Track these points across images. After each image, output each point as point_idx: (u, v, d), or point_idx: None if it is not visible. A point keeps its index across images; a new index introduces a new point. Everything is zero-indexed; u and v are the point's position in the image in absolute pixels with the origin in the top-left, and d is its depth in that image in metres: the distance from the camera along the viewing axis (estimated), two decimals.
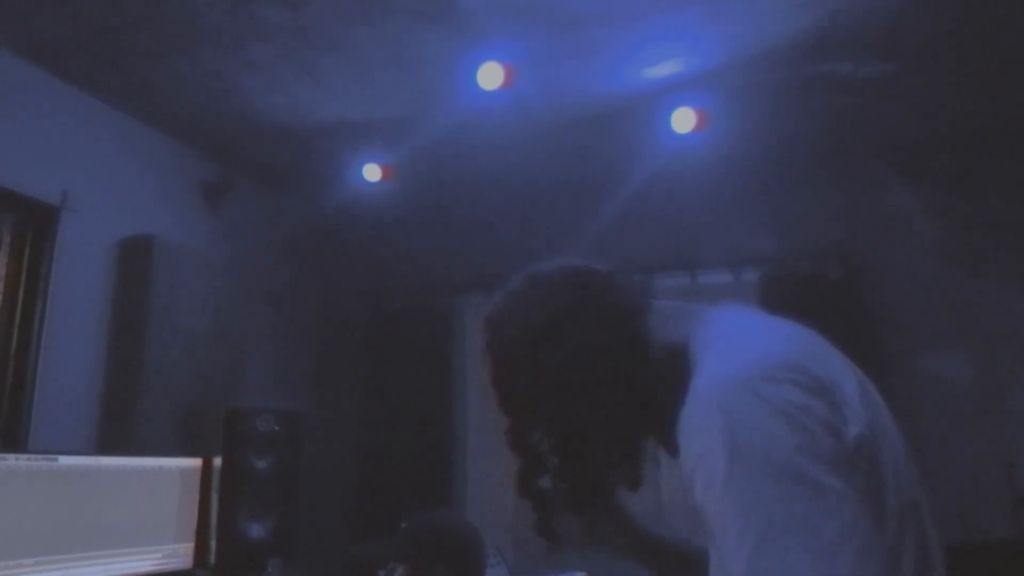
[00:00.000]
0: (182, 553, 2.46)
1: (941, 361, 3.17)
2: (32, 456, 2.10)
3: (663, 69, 2.73)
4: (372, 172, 3.34)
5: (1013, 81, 2.86)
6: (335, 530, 3.50)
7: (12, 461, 2.04)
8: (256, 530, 2.53)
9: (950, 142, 3.31)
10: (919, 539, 0.69)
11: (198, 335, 3.07)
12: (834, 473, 0.62)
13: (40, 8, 2.39)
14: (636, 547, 0.96)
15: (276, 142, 3.30)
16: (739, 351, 0.72)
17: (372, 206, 3.69)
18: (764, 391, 0.66)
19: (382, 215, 3.82)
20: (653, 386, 0.81)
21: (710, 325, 0.79)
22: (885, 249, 3.31)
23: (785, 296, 3.19)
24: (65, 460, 2.16)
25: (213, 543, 2.51)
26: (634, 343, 0.82)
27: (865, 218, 3.37)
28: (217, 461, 2.58)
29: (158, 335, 2.91)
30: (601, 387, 0.82)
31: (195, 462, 2.56)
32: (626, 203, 3.15)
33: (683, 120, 2.87)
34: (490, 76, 2.51)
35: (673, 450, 0.74)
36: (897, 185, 3.38)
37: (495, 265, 3.76)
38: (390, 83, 2.80)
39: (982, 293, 3.19)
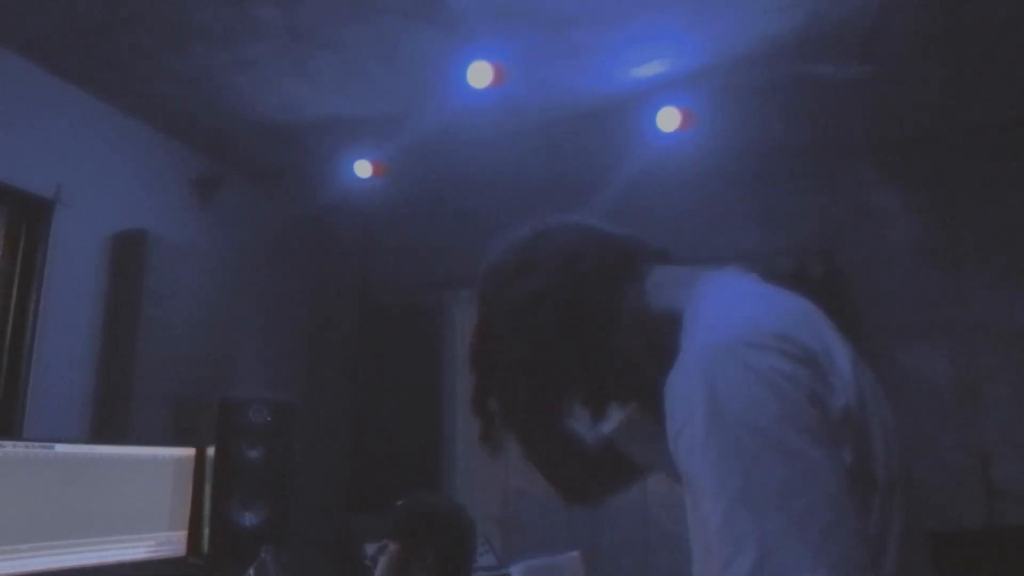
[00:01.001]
0: (175, 541, 2.51)
1: (920, 356, 3.24)
2: (30, 444, 2.14)
3: (649, 69, 2.79)
4: (363, 168, 3.39)
5: (990, 82, 2.93)
6: (325, 519, 3.55)
7: (10, 448, 2.08)
8: (248, 519, 2.58)
9: (929, 142, 3.37)
10: (908, 514, 0.68)
11: (190, 328, 3.11)
12: (816, 443, 0.61)
13: (36, 5, 2.43)
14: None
15: (268, 138, 3.35)
16: (727, 318, 0.71)
17: (363, 202, 3.73)
18: (749, 358, 0.65)
19: (372, 210, 3.87)
20: (639, 351, 0.77)
21: (707, 292, 0.77)
22: (866, 247, 3.38)
23: None
24: (62, 448, 2.21)
25: (206, 531, 2.56)
26: (619, 307, 0.79)
27: (846, 216, 3.44)
28: (210, 451, 2.63)
29: (150, 327, 2.95)
30: (582, 349, 0.80)
31: (188, 452, 2.60)
32: (612, 200, 3.20)
33: (668, 119, 2.93)
34: (480, 75, 2.57)
35: (660, 417, 0.70)
36: (878, 184, 3.45)
37: (483, 260, 3.84)
38: (381, 81, 2.85)
39: (960, 290, 3.27)
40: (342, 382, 3.95)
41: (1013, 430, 3.08)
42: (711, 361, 0.66)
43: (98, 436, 2.63)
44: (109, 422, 2.79)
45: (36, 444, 2.16)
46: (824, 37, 2.62)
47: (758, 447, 0.61)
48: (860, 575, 0.58)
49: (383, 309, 3.96)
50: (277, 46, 2.66)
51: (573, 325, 0.80)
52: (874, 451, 0.66)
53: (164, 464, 2.52)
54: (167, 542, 2.48)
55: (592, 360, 0.80)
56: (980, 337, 3.22)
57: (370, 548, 2.80)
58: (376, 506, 3.35)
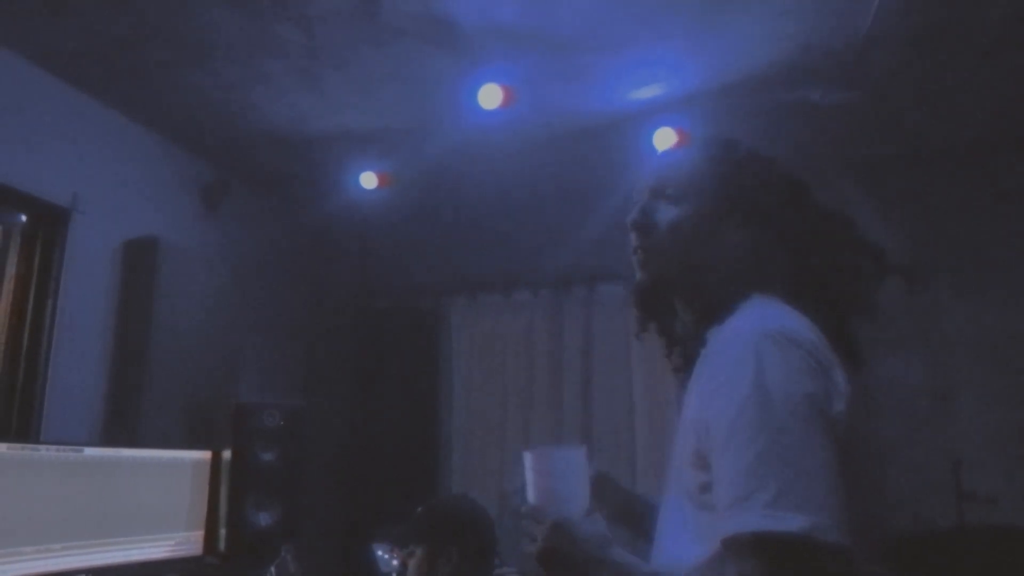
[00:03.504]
0: (193, 540, 2.60)
1: (895, 366, 3.42)
2: (61, 447, 2.23)
3: (647, 92, 2.94)
4: (369, 180, 3.50)
5: (962, 108, 3.11)
6: (330, 520, 3.66)
7: (43, 452, 2.16)
8: (263, 519, 2.68)
9: (906, 162, 3.55)
10: (876, 515, 0.86)
11: (199, 334, 3.20)
12: (824, 423, 0.80)
13: (58, 18, 2.50)
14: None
15: (277, 149, 3.44)
16: (773, 320, 0.89)
17: (366, 211, 3.84)
18: (789, 348, 0.83)
19: (376, 220, 3.98)
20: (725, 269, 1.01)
21: (758, 301, 0.97)
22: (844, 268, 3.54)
23: None
24: (90, 451, 2.29)
25: (222, 531, 2.65)
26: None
27: None
28: (226, 454, 2.72)
29: (162, 333, 3.03)
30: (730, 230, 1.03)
31: (205, 455, 2.70)
32: (609, 215, 3.34)
33: (665, 139, 3.08)
34: (490, 97, 2.70)
35: (699, 332, 0.98)
36: (857, 201, 3.63)
37: (482, 269, 3.97)
38: (393, 100, 2.96)
39: (934, 303, 3.43)
40: (342, 387, 4.05)
41: (983, 436, 3.26)
42: (760, 342, 0.84)
43: (121, 439, 2.71)
44: (123, 425, 2.87)
45: (66, 448, 2.24)
46: (812, 66, 2.79)
47: (788, 413, 0.79)
48: (845, 530, 0.75)
49: (383, 314, 4.08)
50: (293, 63, 2.76)
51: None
52: (855, 455, 0.84)
53: (182, 466, 2.61)
54: (185, 541, 2.58)
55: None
56: (952, 347, 3.38)
57: (378, 548, 2.92)
58: (374, 511, 3.48)
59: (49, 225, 2.88)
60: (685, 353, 1.08)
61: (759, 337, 0.85)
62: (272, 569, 2.17)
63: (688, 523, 0.90)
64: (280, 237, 3.99)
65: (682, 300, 1.06)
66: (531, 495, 1.04)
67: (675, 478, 0.95)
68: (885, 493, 0.88)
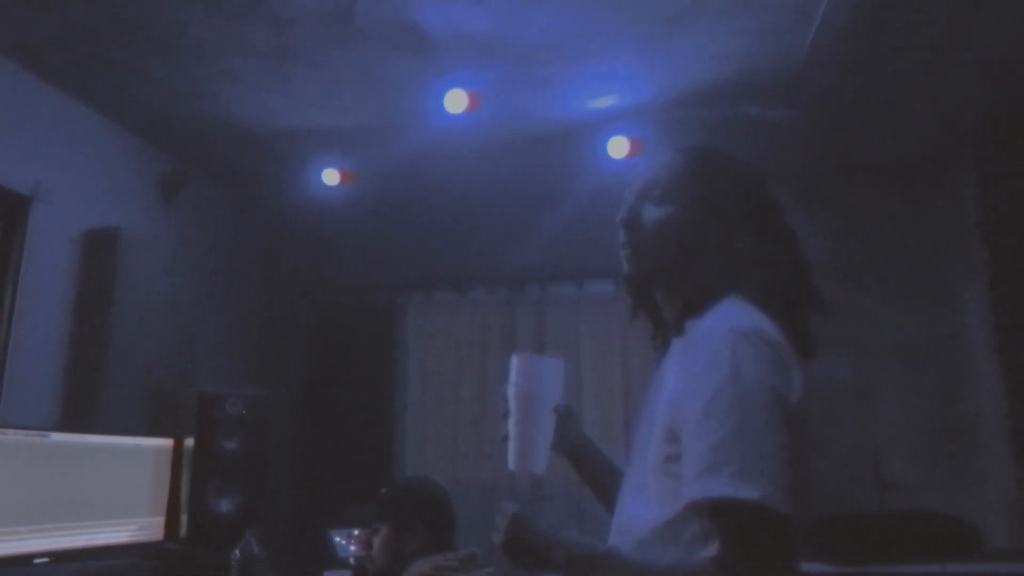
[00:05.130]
0: (154, 526, 2.65)
1: (823, 365, 3.65)
2: (28, 432, 2.26)
3: (603, 102, 3.11)
4: (331, 176, 3.57)
5: (890, 124, 3.36)
6: (287, 508, 3.72)
7: (11, 436, 2.19)
8: (224, 505, 2.74)
9: (838, 173, 3.75)
10: (807, 499, 0.99)
11: (158, 323, 3.23)
12: (783, 412, 0.92)
13: (30, 10, 2.52)
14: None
15: (242, 143, 3.48)
16: (748, 320, 1.02)
17: (328, 207, 3.91)
18: (760, 345, 0.97)
19: (336, 216, 4.05)
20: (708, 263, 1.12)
21: (734, 301, 1.08)
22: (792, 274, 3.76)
23: None
24: (56, 437, 2.33)
25: (184, 518, 2.70)
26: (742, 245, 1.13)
27: None
28: (188, 441, 2.77)
29: (121, 322, 3.06)
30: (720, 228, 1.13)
31: (167, 442, 2.74)
32: (564, 217, 3.52)
33: (618, 147, 3.26)
34: (456, 101, 2.82)
35: (678, 323, 1.11)
36: (793, 209, 3.87)
37: (438, 267, 4.08)
38: (361, 101, 3.06)
39: (862, 306, 3.65)
40: (297, 379, 4.11)
41: (901, 430, 3.52)
42: (737, 339, 0.97)
43: (79, 426, 2.73)
44: (81, 412, 2.89)
45: (33, 432, 2.27)
46: (753, 84, 3.00)
47: (755, 402, 0.93)
48: (791, 504, 0.89)
49: (339, 309, 4.15)
50: (263, 62, 2.83)
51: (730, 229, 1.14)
52: (805, 443, 0.99)
53: (145, 454, 2.66)
54: (147, 527, 2.62)
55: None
56: (876, 348, 3.61)
57: (335, 535, 3.00)
58: (331, 498, 3.55)
59: (10, 213, 2.88)
60: (665, 338, 1.21)
61: (736, 335, 0.98)
62: (236, 551, 2.24)
63: (650, 489, 1.04)
64: (240, 230, 4.03)
65: (664, 294, 1.18)
66: (511, 393, 1.22)
67: (642, 449, 1.09)
68: (812, 480, 1.02)
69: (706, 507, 0.92)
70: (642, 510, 1.05)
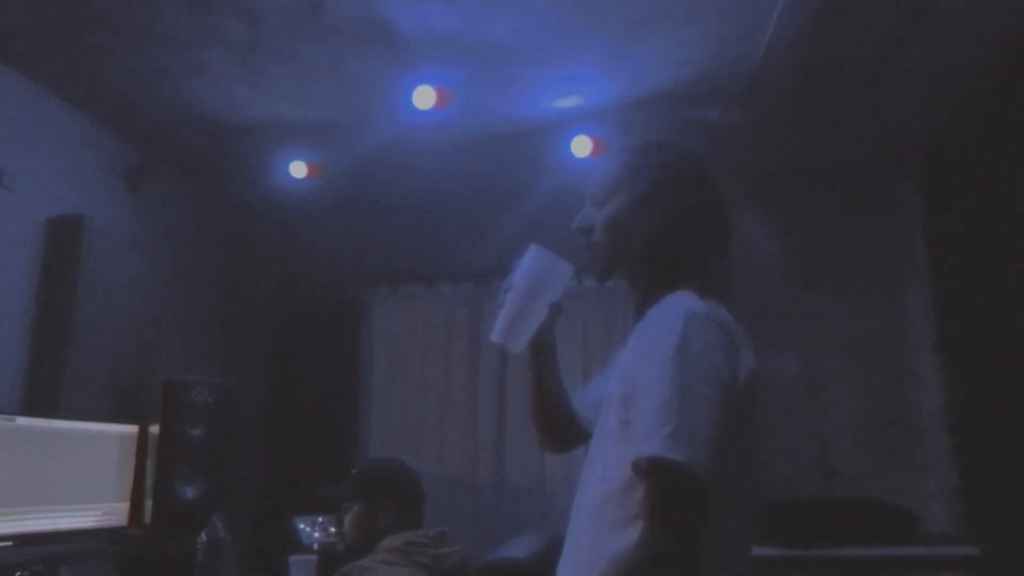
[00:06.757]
0: (119, 512, 2.67)
1: (774, 359, 3.79)
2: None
3: (567, 102, 3.20)
4: (298, 168, 3.60)
5: (842, 129, 3.48)
6: (251, 495, 3.74)
7: None
8: (189, 492, 2.77)
9: (790, 176, 3.88)
10: (757, 481, 1.11)
11: (123, 311, 3.23)
12: (725, 387, 1.02)
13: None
14: None
15: (209, 134, 3.49)
16: (699, 303, 1.11)
17: (294, 200, 3.94)
18: (709, 324, 1.06)
19: (303, 208, 4.09)
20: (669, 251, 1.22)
21: (689, 292, 1.17)
22: (735, 265, 3.90)
23: None
24: (22, 421, 2.34)
25: (149, 504, 2.72)
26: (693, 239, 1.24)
27: None
28: (154, 428, 2.79)
29: (86, 309, 3.05)
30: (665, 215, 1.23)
31: (132, 428, 2.76)
32: (528, 214, 3.60)
33: (582, 146, 3.36)
34: (424, 98, 2.89)
35: (640, 309, 1.20)
36: (746, 211, 4.00)
37: (405, 260, 4.13)
38: (330, 94, 3.10)
39: (811, 304, 3.80)
40: (261, 369, 4.13)
41: (847, 422, 3.66)
42: (688, 318, 1.07)
43: (42, 411, 2.73)
44: (45, 397, 2.88)
45: (0, 416, 2.28)
46: (711, 88, 3.13)
47: (697, 376, 1.02)
48: (713, 476, 0.96)
49: (305, 300, 4.18)
50: (233, 54, 2.86)
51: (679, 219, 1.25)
52: (754, 420, 1.11)
53: (109, 440, 2.67)
54: (112, 512, 2.64)
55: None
56: (824, 344, 3.75)
57: (299, 521, 3.05)
58: (295, 486, 3.59)
59: None
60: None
61: (689, 313, 1.07)
62: (203, 535, 2.29)
63: (609, 454, 1.13)
64: (206, 220, 4.03)
65: (628, 285, 1.30)
66: (519, 274, 1.31)
67: (603, 417, 1.19)
68: (761, 464, 1.12)
69: (644, 465, 1.00)
70: (600, 472, 1.14)
